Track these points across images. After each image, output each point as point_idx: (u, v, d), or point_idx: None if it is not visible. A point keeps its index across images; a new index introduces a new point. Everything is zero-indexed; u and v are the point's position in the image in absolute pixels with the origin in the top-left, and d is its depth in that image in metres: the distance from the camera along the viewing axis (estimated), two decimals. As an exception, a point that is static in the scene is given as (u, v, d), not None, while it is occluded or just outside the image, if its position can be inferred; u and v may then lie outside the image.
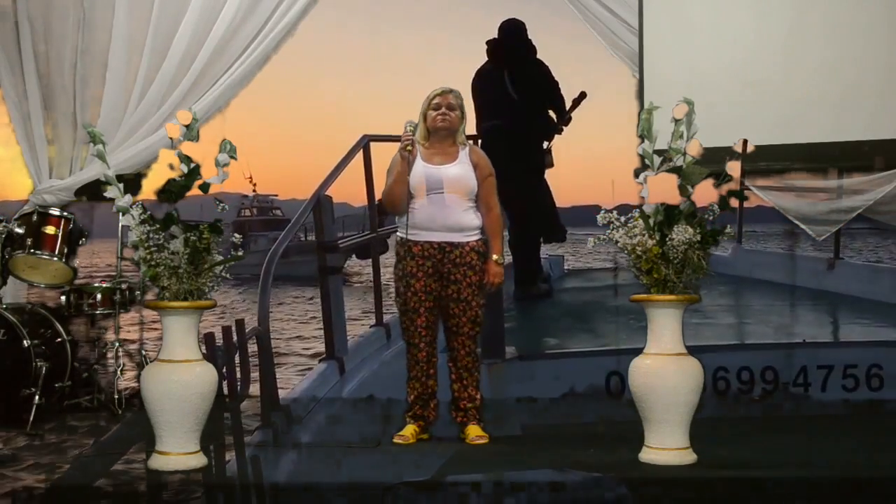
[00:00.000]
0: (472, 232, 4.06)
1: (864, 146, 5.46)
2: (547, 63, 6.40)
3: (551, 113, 6.40)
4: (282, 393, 3.88)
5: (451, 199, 4.02)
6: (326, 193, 4.51)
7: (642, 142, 3.67)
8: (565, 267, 7.98)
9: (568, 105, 6.38)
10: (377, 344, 4.69)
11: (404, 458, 3.80)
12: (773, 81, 5.55)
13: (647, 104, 3.71)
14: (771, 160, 5.42)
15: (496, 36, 6.42)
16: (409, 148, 3.98)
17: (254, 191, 44.28)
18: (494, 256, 4.08)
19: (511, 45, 6.29)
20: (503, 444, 3.91)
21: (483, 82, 6.44)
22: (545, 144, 6.44)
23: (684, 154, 3.57)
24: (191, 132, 3.68)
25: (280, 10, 5.93)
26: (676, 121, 3.59)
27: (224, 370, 3.55)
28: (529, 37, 6.35)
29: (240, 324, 3.58)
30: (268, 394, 3.60)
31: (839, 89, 5.49)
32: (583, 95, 6.36)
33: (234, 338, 3.65)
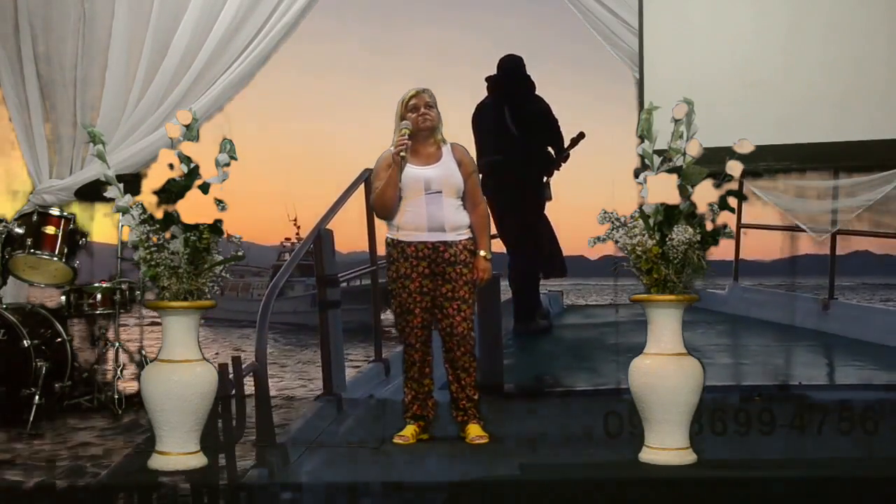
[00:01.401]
0: (463, 230, 4.09)
1: (864, 146, 5.46)
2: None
3: (550, 150, 6.40)
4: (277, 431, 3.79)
5: (439, 199, 4.03)
6: (327, 227, 4.46)
7: (642, 142, 3.67)
8: (564, 302, 7.89)
9: (566, 143, 6.38)
10: (376, 380, 4.64)
11: (405, 459, 3.80)
12: (773, 81, 5.53)
13: (647, 104, 3.71)
14: (771, 160, 5.41)
15: (496, 71, 6.41)
16: (403, 154, 3.98)
17: (297, 234, 43.04)
18: (482, 252, 4.10)
19: (510, 81, 6.31)
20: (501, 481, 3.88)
21: (483, 117, 6.47)
22: (543, 179, 6.42)
23: (684, 154, 3.56)
24: (191, 132, 3.69)
25: (280, 9, 5.93)
26: (676, 121, 3.58)
27: (219, 409, 3.50)
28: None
29: (236, 361, 3.54)
30: (264, 432, 3.55)
31: (839, 89, 5.48)
32: (581, 136, 6.37)
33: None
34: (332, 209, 4.47)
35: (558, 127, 6.31)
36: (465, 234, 4.09)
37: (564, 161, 6.38)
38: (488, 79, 6.47)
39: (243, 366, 3.54)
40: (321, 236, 4.24)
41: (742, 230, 6.87)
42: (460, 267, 4.04)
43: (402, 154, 3.97)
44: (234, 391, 3.49)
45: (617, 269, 3.74)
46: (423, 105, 4.07)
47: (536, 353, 5.23)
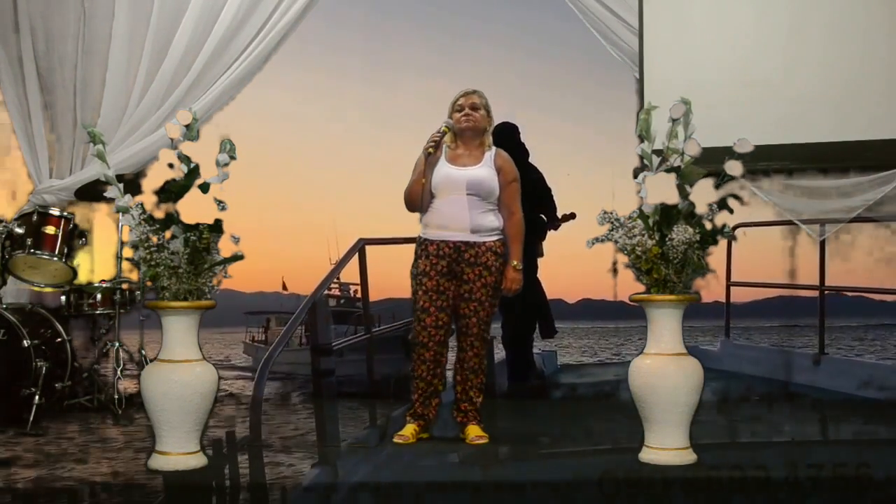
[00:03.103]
0: (490, 233, 4.04)
1: (864, 146, 5.45)
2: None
3: (542, 216, 6.39)
4: None
5: (469, 201, 4.00)
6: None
7: (641, 142, 3.66)
8: (558, 362, 7.87)
9: (559, 212, 6.38)
10: (370, 445, 4.60)
11: (404, 458, 3.80)
12: (773, 81, 5.53)
13: (646, 104, 3.71)
14: (771, 160, 5.41)
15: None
16: (430, 151, 3.98)
17: (338, 280, 41.54)
18: (514, 262, 4.05)
19: (505, 149, 6.29)
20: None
21: None
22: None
23: (682, 154, 3.56)
24: (191, 132, 3.69)
25: (280, 10, 5.94)
26: (674, 120, 3.58)
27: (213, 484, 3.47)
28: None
29: (230, 437, 3.53)
30: None
31: (840, 89, 5.47)
32: (573, 215, 6.38)
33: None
34: (328, 278, 4.50)
35: (551, 194, 6.32)
36: (492, 236, 4.04)
37: (555, 230, 6.40)
38: None
39: (238, 438, 3.51)
40: (316, 305, 4.25)
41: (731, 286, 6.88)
42: (480, 269, 4.01)
43: (429, 151, 3.97)
44: (227, 468, 3.46)
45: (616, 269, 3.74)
46: (469, 106, 4.08)
47: (530, 415, 5.21)
